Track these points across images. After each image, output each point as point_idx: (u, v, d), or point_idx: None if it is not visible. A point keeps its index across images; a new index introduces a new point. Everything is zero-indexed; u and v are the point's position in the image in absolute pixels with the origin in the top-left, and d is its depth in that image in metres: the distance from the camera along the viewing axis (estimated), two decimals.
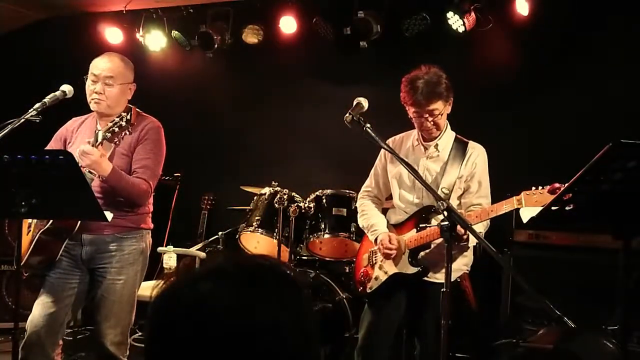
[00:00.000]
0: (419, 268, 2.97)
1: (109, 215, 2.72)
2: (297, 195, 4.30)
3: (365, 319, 3.16)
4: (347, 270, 4.38)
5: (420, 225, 2.97)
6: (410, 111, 2.98)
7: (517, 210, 2.76)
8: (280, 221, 4.13)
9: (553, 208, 1.96)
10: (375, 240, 3.10)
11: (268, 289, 0.96)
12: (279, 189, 4.28)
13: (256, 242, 4.52)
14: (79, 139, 3.02)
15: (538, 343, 3.31)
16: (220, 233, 4.92)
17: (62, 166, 2.40)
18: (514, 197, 2.68)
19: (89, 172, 2.77)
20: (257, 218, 4.29)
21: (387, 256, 3.03)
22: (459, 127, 3.15)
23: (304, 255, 4.48)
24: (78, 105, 3.05)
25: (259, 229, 4.28)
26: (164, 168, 3.12)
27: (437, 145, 3.05)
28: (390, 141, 3.16)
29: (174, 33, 5.48)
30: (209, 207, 5.40)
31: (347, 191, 4.20)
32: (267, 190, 4.37)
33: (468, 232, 2.60)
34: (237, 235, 4.47)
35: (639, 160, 1.75)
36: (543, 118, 4.45)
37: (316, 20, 4.95)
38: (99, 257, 2.95)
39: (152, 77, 5.40)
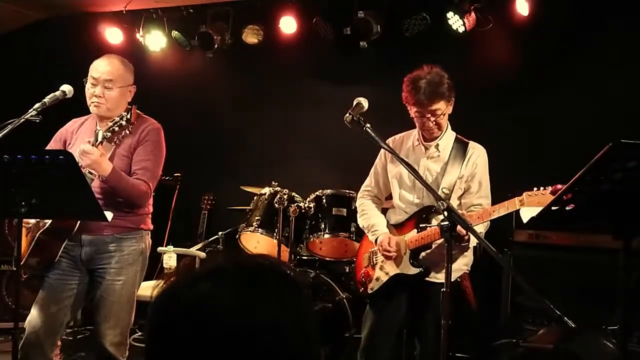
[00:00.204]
0: (420, 269, 2.97)
1: (109, 215, 2.72)
2: (297, 195, 4.30)
3: (368, 320, 3.17)
4: (347, 270, 4.38)
5: (421, 226, 2.97)
6: (412, 111, 2.98)
7: (518, 210, 2.76)
8: (280, 221, 4.13)
9: (553, 208, 1.96)
10: (376, 240, 3.09)
11: (268, 289, 0.96)
12: (279, 189, 4.28)
13: (256, 242, 4.52)
14: (79, 140, 3.02)
15: (538, 343, 3.31)
16: (220, 233, 4.92)
17: (62, 166, 2.40)
18: (516, 198, 2.68)
19: (89, 172, 2.77)
20: (257, 218, 4.29)
21: (387, 257, 3.04)
22: (459, 127, 3.15)
23: (304, 255, 4.48)
24: (78, 106, 3.05)
25: (259, 229, 4.28)
26: (164, 168, 3.12)
27: (437, 145, 3.05)
28: (390, 141, 3.16)
29: (174, 33, 5.48)
30: (209, 207, 5.40)
31: (347, 191, 4.20)
32: (267, 190, 4.37)
33: (468, 232, 2.60)
34: (237, 235, 4.47)
35: (639, 160, 1.75)
36: (543, 118, 4.45)
37: (316, 20, 4.95)
38: (99, 258, 2.95)
39: (152, 77, 5.40)
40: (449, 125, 3.08)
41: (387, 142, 3.01)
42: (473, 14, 4.50)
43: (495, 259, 2.39)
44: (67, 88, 2.99)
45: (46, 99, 2.92)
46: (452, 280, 2.47)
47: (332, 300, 4.12)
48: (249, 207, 4.48)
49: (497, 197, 2.86)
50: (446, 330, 2.38)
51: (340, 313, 4.06)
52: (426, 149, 3.07)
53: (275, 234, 4.23)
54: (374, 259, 3.19)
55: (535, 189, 2.63)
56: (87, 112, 3.09)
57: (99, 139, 2.78)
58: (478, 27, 4.54)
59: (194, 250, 4.62)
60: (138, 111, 3.02)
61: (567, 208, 1.94)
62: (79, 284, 2.97)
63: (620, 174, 1.79)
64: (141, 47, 5.57)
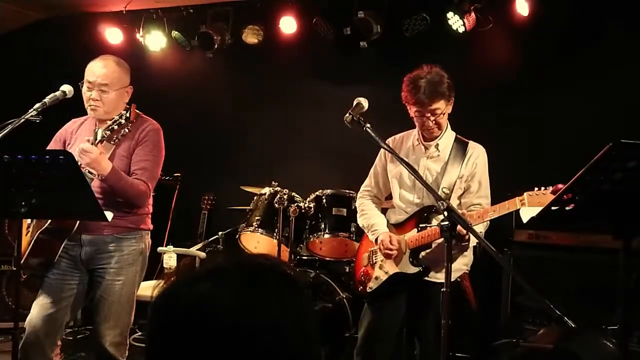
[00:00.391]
0: (420, 268, 2.97)
1: (109, 215, 2.72)
2: (297, 195, 4.30)
3: (365, 319, 3.16)
4: (347, 270, 4.38)
5: (421, 225, 2.97)
6: (412, 110, 2.98)
7: (518, 210, 2.76)
8: (280, 221, 4.14)
9: (553, 208, 1.96)
10: (376, 240, 3.09)
11: (268, 289, 0.96)
12: (279, 189, 4.28)
13: (256, 242, 4.52)
14: (78, 140, 3.01)
15: (538, 343, 3.30)
16: (220, 233, 4.92)
17: (62, 166, 2.40)
18: (517, 198, 2.67)
19: (89, 171, 2.77)
20: (257, 218, 4.29)
21: (387, 256, 3.04)
22: (459, 127, 3.15)
23: (304, 255, 4.48)
24: (78, 106, 3.05)
25: (259, 229, 4.28)
26: (164, 168, 3.12)
27: (437, 145, 3.05)
28: (390, 141, 3.16)
29: (174, 33, 5.48)
30: (209, 207, 5.40)
31: (347, 191, 4.20)
32: (267, 190, 4.37)
33: (469, 232, 2.60)
34: (237, 235, 4.47)
35: (639, 160, 1.75)
36: (543, 118, 4.45)
37: (316, 20, 4.95)
38: (98, 258, 2.95)
39: (152, 77, 5.42)
40: (449, 125, 3.08)
41: (387, 142, 3.01)
42: (473, 14, 4.50)
43: (495, 259, 2.39)
44: (67, 88, 2.99)
45: (46, 99, 2.92)
46: (452, 280, 2.47)
47: (332, 300, 4.13)
48: (249, 207, 4.48)
49: (497, 197, 2.86)
50: (446, 330, 2.38)
51: (340, 313, 4.06)
52: (426, 148, 3.07)
53: (275, 234, 4.23)
54: (374, 258, 3.19)
55: (536, 188, 2.63)
56: (87, 112, 3.09)
57: (98, 138, 2.78)
58: (478, 27, 4.54)
59: (194, 250, 4.62)
60: (138, 111, 3.02)
61: (567, 208, 1.94)
62: (78, 284, 2.97)
63: (620, 174, 1.79)
64: (141, 47, 5.57)
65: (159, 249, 4.45)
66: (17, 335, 2.73)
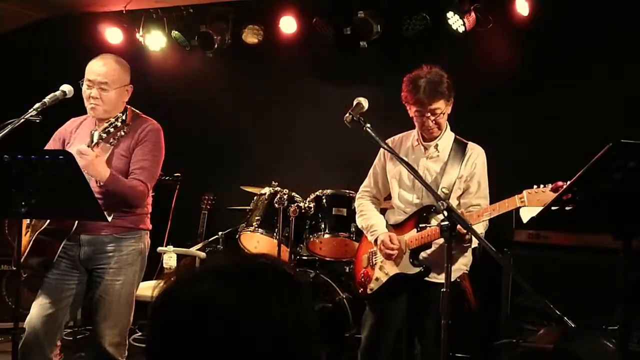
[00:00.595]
0: (420, 268, 2.97)
1: (109, 215, 2.72)
2: (297, 195, 4.30)
3: (368, 320, 3.16)
4: (347, 270, 4.38)
5: (421, 225, 2.97)
6: (412, 110, 2.98)
7: (517, 210, 2.76)
8: (280, 221, 4.13)
9: (553, 208, 1.96)
10: (375, 241, 3.09)
11: (268, 288, 0.96)
12: (279, 189, 4.28)
13: (256, 242, 4.52)
14: (78, 140, 3.01)
15: (538, 343, 3.31)
16: (220, 233, 4.92)
17: (62, 166, 2.40)
18: (516, 196, 2.67)
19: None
20: (257, 218, 4.29)
21: (388, 257, 3.03)
22: (459, 127, 3.15)
23: (304, 255, 4.48)
24: (78, 106, 3.05)
25: (259, 229, 4.28)
26: (164, 168, 3.12)
27: (437, 145, 3.05)
28: (389, 141, 3.16)
29: (174, 33, 5.48)
30: (209, 207, 5.40)
31: (347, 191, 4.20)
32: (267, 190, 4.37)
33: (469, 232, 2.59)
34: (237, 235, 4.47)
35: (639, 160, 1.75)
36: (543, 118, 4.45)
37: (316, 20, 4.95)
38: (97, 258, 2.95)
39: (152, 77, 5.41)
40: (448, 126, 3.08)
41: (386, 142, 3.01)
42: (473, 13, 4.49)
43: (495, 259, 2.40)
44: (67, 88, 2.98)
45: (46, 99, 2.92)
46: (452, 280, 2.47)
47: (332, 300, 4.13)
48: (249, 207, 4.48)
49: (498, 197, 2.86)
50: (446, 330, 2.38)
51: (340, 313, 4.06)
52: (425, 149, 3.07)
53: (275, 234, 4.23)
54: (373, 260, 3.19)
55: (535, 186, 2.63)
56: (87, 112, 3.09)
57: (95, 140, 2.78)
58: (478, 27, 4.54)
59: (194, 250, 4.62)
60: (138, 111, 3.02)
61: (567, 208, 1.94)
62: (78, 284, 2.97)
63: (620, 174, 1.79)
64: (141, 47, 5.57)
65: (159, 249, 4.45)
66: (17, 335, 2.73)
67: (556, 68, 4.45)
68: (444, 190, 2.97)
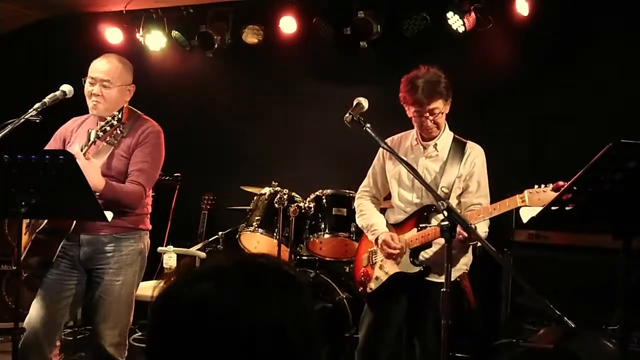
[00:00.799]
0: (421, 267, 2.97)
1: (109, 215, 2.71)
2: (297, 195, 4.30)
3: (366, 320, 3.16)
4: (347, 270, 4.38)
5: (421, 225, 2.97)
6: (410, 111, 2.98)
7: (517, 210, 2.76)
8: (280, 221, 4.13)
9: (553, 208, 1.96)
10: (376, 240, 3.09)
11: (268, 288, 0.96)
12: (279, 189, 4.28)
13: (256, 242, 4.52)
14: (78, 139, 3.01)
15: (538, 343, 3.31)
16: (220, 233, 4.92)
17: (62, 166, 2.40)
18: (517, 195, 2.68)
19: None
20: (257, 218, 4.29)
21: (389, 256, 3.03)
22: (459, 127, 3.15)
23: (304, 255, 4.48)
24: (78, 105, 3.05)
25: (259, 229, 4.28)
26: (164, 168, 3.11)
27: (436, 144, 3.05)
28: (388, 141, 3.16)
29: (174, 33, 5.48)
30: (209, 207, 5.40)
31: (347, 191, 4.20)
32: (267, 190, 4.37)
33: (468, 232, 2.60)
34: (237, 235, 4.47)
35: (639, 160, 1.75)
36: (543, 118, 4.46)
37: (316, 20, 4.96)
38: (97, 258, 2.94)
39: (152, 77, 5.41)
40: (447, 125, 3.09)
41: (385, 141, 3.02)
42: (473, 14, 4.50)
43: (495, 259, 2.40)
44: (67, 88, 2.98)
45: (46, 99, 2.92)
46: (452, 279, 2.47)
47: (332, 300, 4.12)
48: (249, 207, 4.48)
49: (498, 197, 2.86)
50: (446, 330, 2.38)
51: (340, 313, 4.06)
52: (424, 148, 3.07)
53: (275, 234, 4.23)
54: (373, 259, 3.19)
55: (536, 186, 2.63)
56: (87, 111, 3.09)
57: (92, 139, 2.77)
58: (478, 27, 4.54)
59: (194, 250, 4.62)
60: (139, 111, 3.02)
61: (567, 208, 1.94)
62: (77, 284, 2.96)
63: (620, 174, 1.79)
64: (141, 47, 5.57)
65: (159, 249, 4.45)
66: (17, 335, 2.72)
67: (556, 68, 4.45)
68: (443, 189, 2.98)
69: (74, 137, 3.08)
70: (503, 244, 3.91)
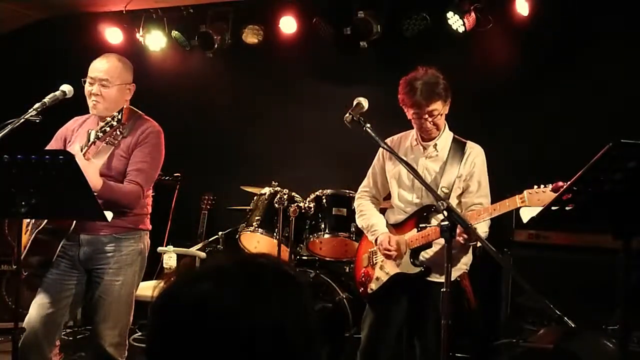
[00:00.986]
0: (421, 268, 2.97)
1: (108, 215, 2.71)
2: (297, 195, 4.30)
3: (368, 320, 3.16)
4: (347, 270, 4.38)
5: (421, 225, 2.97)
6: (410, 113, 2.98)
7: (517, 210, 2.76)
8: (280, 221, 4.13)
9: (553, 208, 1.96)
10: (376, 240, 3.09)
11: (268, 288, 0.96)
12: (279, 189, 4.28)
13: (256, 242, 4.52)
14: (79, 139, 3.01)
15: (538, 343, 3.31)
16: (220, 233, 4.92)
17: (62, 166, 2.40)
18: (517, 196, 2.68)
19: None
20: (257, 218, 4.29)
21: (387, 257, 3.03)
22: (459, 127, 3.15)
23: (304, 255, 4.48)
24: (78, 105, 3.05)
25: (259, 229, 4.28)
26: (164, 168, 3.11)
27: (435, 145, 3.05)
28: (388, 141, 3.16)
29: (174, 33, 5.48)
30: (209, 207, 5.40)
31: (347, 191, 4.20)
32: (267, 190, 4.37)
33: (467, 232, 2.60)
34: (237, 235, 4.47)
35: (639, 160, 1.75)
36: (543, 118, 4.46)
37: (316, 20, 4.96)
38: (97, 258, 2.94)
39: (152, 77, 5.41)
40: (447, 126, 3.09)
41: (385, 142, 3.02)
42: (473, 14, 4.50)
43: (495, 259, 2.40)
44: (67, 88, 2.98)
45: (46, 99, 2.92)
46: (452, 279, 2.47)
47: (332, 300, 4.12)
48: (249, 207, 4.48)
49: (498, 197, 2.86)
50: (446, 330, 2.38)
51: (340, 313, 4.06)
52: (424, 148, 3.07)
53: (275, 234, 4.23)
54: (374, 259, 3.19)
55: (535, 186, 2.63)
56: (88, 111, 3.09)
57: (92, 139, 2.77)
58: (478, 27, 4.54)
59: (194, 250, 4.62)
60: (139, 111, 3.02)
61: (567, 208, 1.94)
62: (77, 284, 2.96)
63: (620, 174, 1.79)
64: (141, 47, 5.57)
65: (159, 249, 4.45)
66: (17, 335, 2.72)
67: (556, 68, 4.45)
68: (443, 189, 2.98)
69: (75, 136, 3.08)
70: (503, 244, 3.91)
